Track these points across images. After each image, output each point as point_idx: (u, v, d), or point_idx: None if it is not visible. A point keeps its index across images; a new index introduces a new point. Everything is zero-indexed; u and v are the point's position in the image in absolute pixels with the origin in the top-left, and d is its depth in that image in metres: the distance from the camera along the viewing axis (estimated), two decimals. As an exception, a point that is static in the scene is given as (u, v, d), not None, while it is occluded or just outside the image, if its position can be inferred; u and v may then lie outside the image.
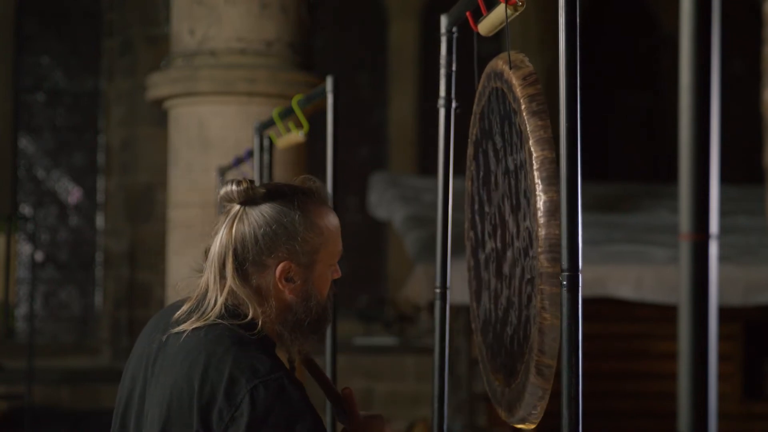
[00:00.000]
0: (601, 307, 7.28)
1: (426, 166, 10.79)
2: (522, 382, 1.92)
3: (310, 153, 5.92)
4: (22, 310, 10.23)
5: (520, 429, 2.04)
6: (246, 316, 1.96)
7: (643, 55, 11.65)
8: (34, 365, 8.48)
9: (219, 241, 1.99)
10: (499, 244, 2.09)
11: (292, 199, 2.00)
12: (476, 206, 2.27)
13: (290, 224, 1.98)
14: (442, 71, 2.49)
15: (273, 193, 2.00)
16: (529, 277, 1.89)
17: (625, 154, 11.61)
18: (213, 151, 5.72)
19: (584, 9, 10.88)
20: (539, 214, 1.82)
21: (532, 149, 1.84)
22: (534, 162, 1.84)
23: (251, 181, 1.99)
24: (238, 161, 4.83)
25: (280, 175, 5.21)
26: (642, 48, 11.66)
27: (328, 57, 10.41)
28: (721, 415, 3.60)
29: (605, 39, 11.46)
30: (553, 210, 1.82)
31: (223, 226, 1.99)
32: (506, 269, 2.02)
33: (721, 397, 6.88)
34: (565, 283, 1.73)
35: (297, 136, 3.75)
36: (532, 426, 1.97)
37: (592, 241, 7.35)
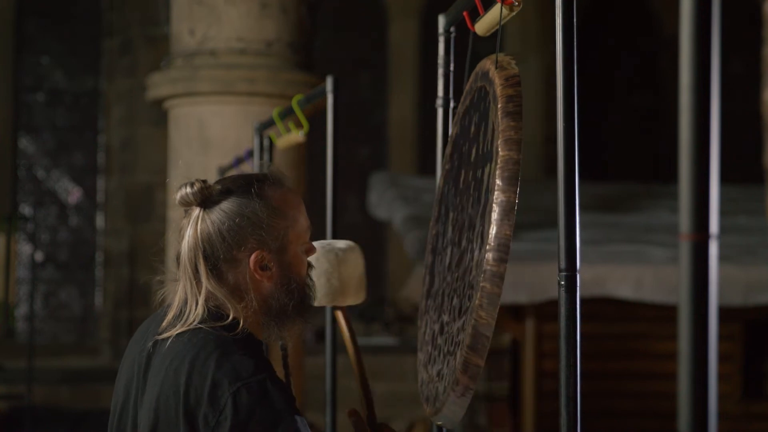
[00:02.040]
0: (600, 307, 7.28)
1: (426, 166, 10.79)
2: (449, 379, 1.92)
3: (310, 153, 5.92)
4: (22, 310, 10.22)
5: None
6: (228, 316, 1.95)
7: (643, 55, 11.65)
8: (34, 365, 8.49)
9: (186, 246, 1.98)
10: (458, 242, 2.08)
11: (249, 189, 1.99)
12: (443, 205, 2.27)
13: (252, 214, 1.97)
14: (440, 71, 2.50)
15: (229, 187, 2.00)
16: (474, 274, 1.89)
17: (625, 154, 11.60)
18: (213, 151, 5.72)
19: (584, 9, 10.88)
20: (494, 212, 1.81)
21: (499, 148, 1.84)
22: (498, 161, 1.83)
23: (204, 181, 1.99)
24: (238, 161, 4.83)
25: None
26: (642, 48, 11.66)
27: (328, 57, 10.41)
28: (721, 415, 3.60)
29: (605, 39, 11.46)
30: (509, 210, 1.81)
31: (188, 229, 1.98)
32: (461, 267, 2.02)
33: (721, 397, 6.88)
34: (563, 283, 1.72)
35: (297, 136, 3.75)
36: (453, 426, 1.97)
37: (592, 241, 7.35)
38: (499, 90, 1.90)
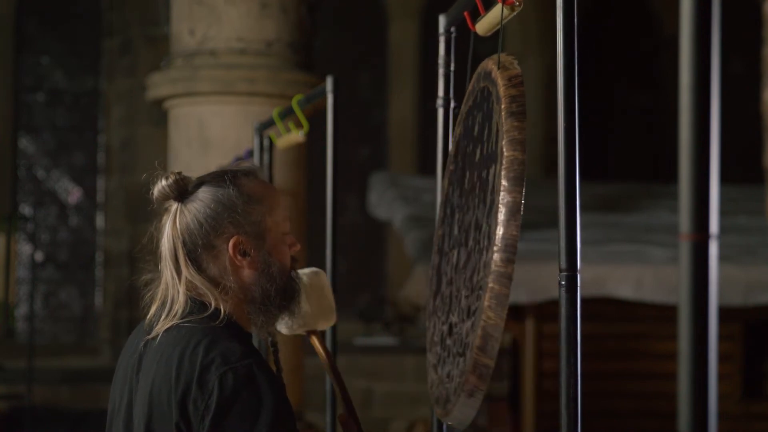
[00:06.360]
0: (600, 307, 7.27)
1: (426, 166, 10.79)
2: (459, 380, 1.92)
3: (310, 153, 5.91)
4: (22, 310, 10.22)
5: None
6: (210, 306, 1.99)
7: (643, 55, 11.65)
8: (34, 365, 8.49)
9: (166, 239, 2.02)
10: (464, 243, 2.09)
11: (223, 178, 2.04)
12: (448, 206, 2.27)
13: (227, 200, 2.01)
14: (441, 71, 2.50)
15: (203, 179, 2.05)
16: (482, 274, 1.89)
17: (625, 154, 11.60)
18: (213, 151, 5.72)
19: (584, 9, 10.88)
20: (501, 212, 1.81)
21: (503, 148, 1.84)
22: (504, 161, 1.83)
23: (179, 173, 2.03)
24: (238, 161, 4.83)
25: (280, 175, 5.21)
26: (642, 48, 11.66)
27: (328, 57, 10.41)
28: (721, 415, 3.59)
29: (605, 39, 11.46)
30: (515, 211, 1.81)
31: (167, 224, 2.02)
32: (468, 267, 2.02)
33: (721, 397, 6.88)
34: (563, 283, 1.73)
35: (297, 136, 3.75)
36: (464, 427, 1.98)
37: (592, 241, 7.35)
38: (502, 90, 1.90)
